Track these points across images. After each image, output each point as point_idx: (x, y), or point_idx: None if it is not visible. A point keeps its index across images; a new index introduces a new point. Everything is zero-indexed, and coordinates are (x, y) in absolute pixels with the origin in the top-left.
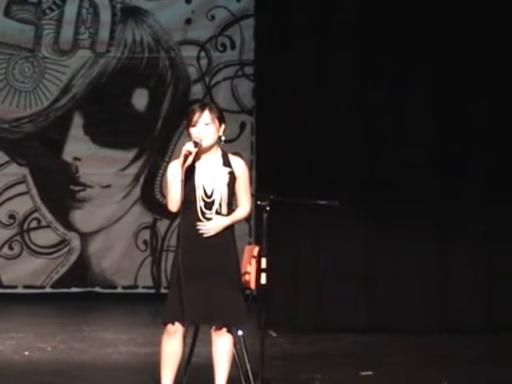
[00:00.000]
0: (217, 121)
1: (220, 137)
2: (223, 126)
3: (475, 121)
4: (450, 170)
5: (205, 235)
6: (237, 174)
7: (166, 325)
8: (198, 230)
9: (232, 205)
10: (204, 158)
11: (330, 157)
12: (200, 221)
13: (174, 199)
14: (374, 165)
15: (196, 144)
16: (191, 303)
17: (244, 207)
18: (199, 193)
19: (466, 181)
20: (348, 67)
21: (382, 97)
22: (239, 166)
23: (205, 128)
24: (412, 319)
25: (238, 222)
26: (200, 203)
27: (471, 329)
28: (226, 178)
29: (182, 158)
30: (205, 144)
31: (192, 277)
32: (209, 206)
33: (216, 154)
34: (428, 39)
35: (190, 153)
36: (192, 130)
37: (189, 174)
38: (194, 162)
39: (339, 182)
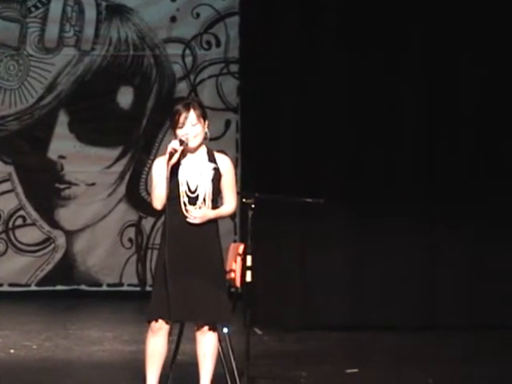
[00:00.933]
0: (202, 119)
1: (206, 133)
2: (207, 122)
3: (466, 120)
4: (438, 168)
5: (189, 220)
6: (222, 171)
7: (150, 322)
8: (182, 226)
9: (217, 201)
10: (189, 154)
11: (315, 154)
12: (183, 217)
13: (158, 197)
14: (361, 163)
15: (182, 142)
16: (174, 300)
17: (229, 204)
18: (183, 188)
19: (454, 180)
20: (334, 65)
21: (370, 95)
22: (225, 163)
23: (192, 129)
24: (398, 317)
25: (223, 217)
26: (184, 199)
27: (457, 327)
28: (211, 174)
29: (167, 156)
30: (194, 144)
31: (175, 274)
32: (193, 201)
33: (201, 151)
34: (419, 39)
35: (176, 150)
36: (179, 132)
37: (174, 171)
38: (179, 159)
39: (325, 179)
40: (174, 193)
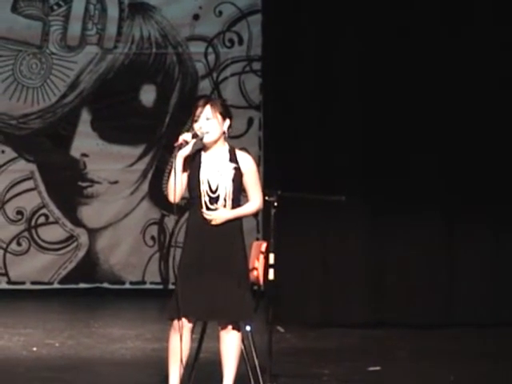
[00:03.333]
0: (219, 116)
1: (224, 132)
2: (228, 121)
3: (486, 119)
4: (457, 165)
5: (211, 223)
6: (243, 169)
7: (172, 320)
8: (204, 225)
9: (239, 200)
10: (210, 152)
11: (337, 152)
12: (205, 216)
13: (169, 189)
14: (382, 160)
15: (195, 136)
16: (196, 299)
17: (253, 202)
18: (204, 188)
19: (473, 177)
20: (355, 63)
21: (388, 92)
22: (246, 161)
23: (206, 123)
24: (419, 314)
25: (247, 215)
26: (205, 198)
27: (478, 323)
28: (231, 174)
29: (176, 148)
30: (207, 139)
31: (198, 272)
32: (213, 201)
33: (223, 149)
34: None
35: (187, 142)
36: (195, 125)
37: (195, 169)
38: (200, 157)
39: (346, 177)
40: (195, 191)
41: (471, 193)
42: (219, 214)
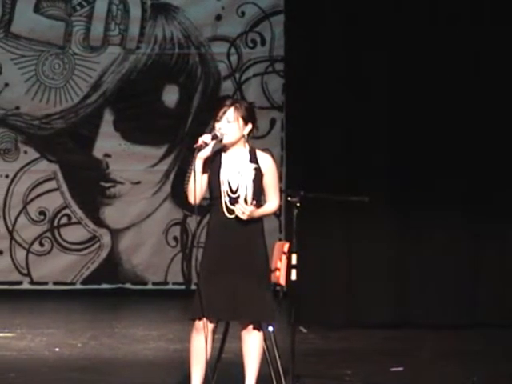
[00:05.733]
0: (241, 120)
1: (244, 135)
2: (250, 126)
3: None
4: (480, 167)
5: (237, 214)
6: (263, 170)
7: (193, 321)
8: (226, 225)
9: (260, 201)
10: (230, 153)
11: (360, 153)
12: (225, 217)
13: (189, 191)
14: (406, 161)
15: (215, 137)
16: (218, 299)
17: (272, 202)
18: (224, 188)
19: (497, 179)
20: (379, 63)
21: (412, 94)
22: (266, 161)
23: (226, 125)
24: (442, 315)
25: (266, 216)
26: (225, 198)
27: (501, 324)
28: (252, 174)
29: (196, 149)
30: (225, 141)
31: (219, 272)
32: (234, 201)
33: (243, 150)
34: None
35: (206, 144)
36: (216, 125)
37: (215, 170)
38: (220, 158)
39: (370, 177)
40: (216, 192)
41: (495, 193)
42: (250, 210)
